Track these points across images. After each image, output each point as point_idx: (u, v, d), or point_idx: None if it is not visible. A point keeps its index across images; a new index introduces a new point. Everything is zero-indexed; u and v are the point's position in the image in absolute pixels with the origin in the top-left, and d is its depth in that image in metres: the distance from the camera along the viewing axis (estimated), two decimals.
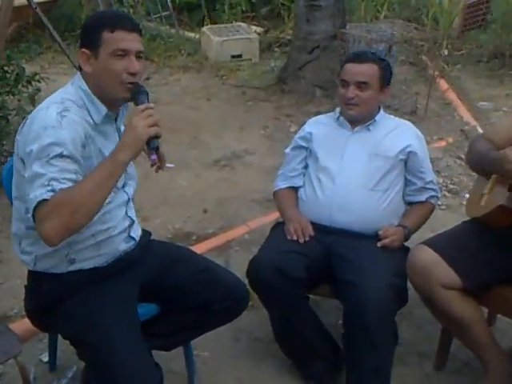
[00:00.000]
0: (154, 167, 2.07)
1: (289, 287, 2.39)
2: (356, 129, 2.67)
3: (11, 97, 4.19)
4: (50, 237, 1.79)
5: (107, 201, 1.91)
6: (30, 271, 2.11)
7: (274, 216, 3.53)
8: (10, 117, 4.08)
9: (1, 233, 3.49)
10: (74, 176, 1.83)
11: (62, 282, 2.02)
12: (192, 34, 7.42)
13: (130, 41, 1.95)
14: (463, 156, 4.33)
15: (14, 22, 6.09)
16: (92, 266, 2.05)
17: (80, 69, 2.02)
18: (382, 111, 2.71)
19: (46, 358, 2.62)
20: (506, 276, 2.31)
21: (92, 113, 1.99)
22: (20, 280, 2.46)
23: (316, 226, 2.58)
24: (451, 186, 4.28)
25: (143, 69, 2.00)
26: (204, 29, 7.09)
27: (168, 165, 2.32)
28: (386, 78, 2.62)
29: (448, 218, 3.58)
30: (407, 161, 2.64)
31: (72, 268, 2.03)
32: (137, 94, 1.97)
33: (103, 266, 2.08)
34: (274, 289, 2.40)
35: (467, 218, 2.50)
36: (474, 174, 2.58)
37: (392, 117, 2.82)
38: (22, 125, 1.98)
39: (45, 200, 1.77)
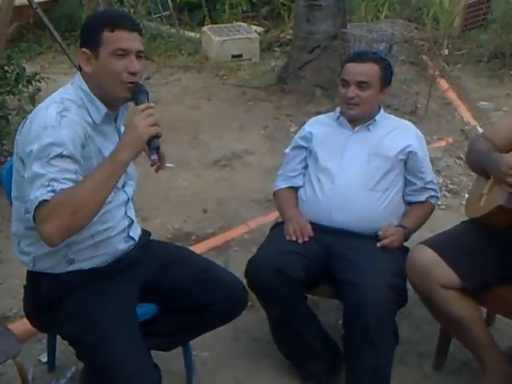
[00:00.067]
0: (154, 167, 2.06)
1: (287, 287, 2.39)
2: (356, 129, 2.67)
3: (11, 96, 4.20)
4: (50, 237, 1.79)
5: (107, 201, 1.91)
6: (28, 271, 2.11)
7: (273, 216, 3.53)
8: (10, 116, 4.09)
9: (0, 233, 3.49)
10: (74, 176, 1.83)
11: (61, 282, 2.02)
12: (192, 34, 7.43)
13: (131, 40, 1.95)
14: (463, 156, 4.34)
15: (14, 21, 6.10)
16: (91, 266, 2.05)
17: (80, 69, 2.02)
18: (382, 111, 2.71)
19: (44, 359, 2.62)
20: (505, 276, 2.31)
21: (92, 113, 1.99)
22: (19, 280, 2.46)
23: (316, 225, 2.58)
24: (451, 186, 4.28)
25: (143, 68, 2.00)
26: (204, 28, 7.09)
27: (168, 164, 2.32)
28: (386, 77, 2.62)
29: (448, 218, 3.58)
30: (407, 161, 2.64)
31: (71, 268, 2.03)
32: (137, 93, 1.96)
33: (102, 266, 2.07)
34: (273, 289, 2.40)
35: (467, 218, 2.49)
36: (474, 174, 2.58)
37: (392, 117, 2.82)
38: (21, 125, 1.98)
39: (45, 201, 1.77)
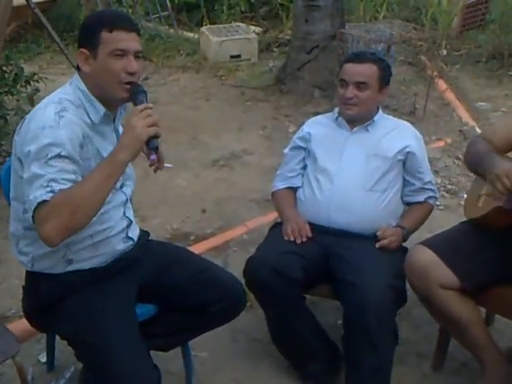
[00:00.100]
0: (153, 167, 2.07)
1: (285, 287, 2.39)
2: (355, 129, 2.67)
3: (10, 97, 4.19)
4: (50, 237, 1.78)
5: (105, 201, 1.90)
6: (27, 272, 2.11)
7: (272, 216, 3.52)
8: (8, 117, 4.08)
9: None
10: (72, 176, 1.83)
11: (59, 282, 2.02)
12: (191, 34, 7.42)
13: (129, 41, 1.95)
14: (461, 156, 4.34)
15: (12, 21, 6.09)
16: (90, 266, 2.05)
17: (78, 69, 2.02)
18: (380, 112, 2.71)
19: (43, 359, 2.62)
20: (504, 276, 2.31)
21: (90, 113, 1.98)
22: (18, 280, 2.46)
23: (314, 226, 2.58)
24: (449, 187, 4.29)
25: (142, 69, 2.00)
26: (203, 29, 7.09)
27: (167, 165, 2.32)
28: (385, 78, 2.62)
29: (446, 219, 3.58)
30: (406, 161, 2.64)
31: (70, 268, 2.03)
32: (135, 93, 1.96)
33: (101, 267, 2.07)
34: (271, 289, 2.40)
35: (465, 219, 2.50)
36: (472, 174, 2.58)
37: (391, 117, 2.82)
38: (19, 125, 1.98)
39: (45, 201, 1.77)
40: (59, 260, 2.01)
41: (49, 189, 1.77)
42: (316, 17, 5.58)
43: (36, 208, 1.78)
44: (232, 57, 6.71)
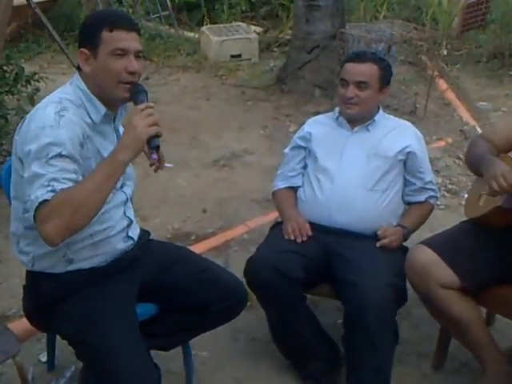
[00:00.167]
0: (153, 167, 2.07)
1: (286, 287, 2.39)
2: (355, 129, 2.67)
3: (10, 96, 4.19)
4: (50, 237, 1.79)
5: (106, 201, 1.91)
6: (28, 271, 2.11)
7: (273, 216, 3.53)
8: (9, 116, 4.08)
9: (0, 233, 3.49)
10: (73, 176, 1.83)
11: (60, 282, 2.02)
12: (191, 34, 7.43)
13: (129, 40, 1.95)
14: (462, 156, 4.35)
15: (13, 21, 6.09)
16: (90, 265, 2.05)
17: (79, 68, 2.02)
18: (381, 111, 2.71)
19: (44, 358, 2.62)
20: (505, 276, 2.31)
21: (91, 112, 1.98)
22: (19, 279, 2.46)
23: (315, 225, 2.58)
24: (450, 186, 4.29)
25: (142, 68, 2.00)
26: (203, 28, 7.09)
27: (167, 165, 2.32)
28: (385, 78, 2.62)
29: (447, 218, 3.58)
30: (406, 161, 2.64)
31: (70, 268, 2.03)
32: (136, 93, 1.96)
33: (102, 266, 2.07)
34: (272, 288, 2.40)
35: (466, 218, 2.49)
36: (473, 174, 2.58)
37: (391, 117, 2.82)
38: (20, 124, 1.98)
39: (46, 200, 1.77)
40: (60, 259, 2.01)
41: (50, 188, 1.77)
42: (316, 17, 5.58)
43: (37, 207, 1.78)
44: (232, 56, 6.71)
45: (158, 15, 7.69)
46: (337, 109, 2.73)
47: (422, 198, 2.69)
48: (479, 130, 4.94)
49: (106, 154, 1.95)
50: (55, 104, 1.91)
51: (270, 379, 2.61)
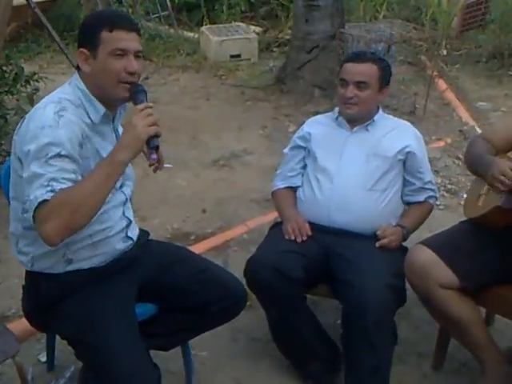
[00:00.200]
0: (153, 167, 2.07)
1: (286, 287, 2.39)
2: (355, 129, 2.67)
3: (10, 96, 4.19)
4: (50, 237, 1.78)
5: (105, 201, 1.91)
6: (27, 271, 2.11)
7: (272, 216, 3.52)
8: (8, 116, 4.08)
9: None
10: (73, 176, 1.83)
11: (59, 282, 2.02)
12: (191, 34, 7.43)
13: (129, 40, 1.95)
14: (462, 156, 4.35)
15: (12, 21, 6.09)
16: (90, 265, 2.05)
17: (78, 68, 2.02)
18: (380, 111, 2.71)
19: (43, 358, 2.62)
20: (504, 276, 2.31)
21: (90, 112, 1.98)
22: (18, 280, 2.46)
23: (314, 225, 2.58)
24: (449, 186, 4.29)
25: (142, 68, 2.00)
26: (203, 28, 7.09)
27: (166, 165, 2.32)
28: (385, 78, 2.62)
29: (446, 218, 3.59)
30: (406, 161, 2.64)
31: (70, 268, 2.03)
32: (135, 93, 1.96)
33: (101, 266, 2.07)
34: (272, 288, 2.40)
35: (465, 218, 2.50)
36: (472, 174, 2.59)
37: (391, 117, 2.82)
38: (19, 124, 1.98)
39: (45, 200, 1.77)
40: (59, 260, 2.01)
41: (49, 188, 1.77)
42: (316, 17, 5.58)
43: (36, 208, 1.78)
44: (232, 56, 6.71)
45: (157, 15, 7.69)
46: (336, 109, 2.73)
47: (421, 198, 2.69)
48: (478, 130, 4.94)
49: (105, 154, 1.95)
50: (54, 104, 1.91)
51: (270, 379, 2.61)
